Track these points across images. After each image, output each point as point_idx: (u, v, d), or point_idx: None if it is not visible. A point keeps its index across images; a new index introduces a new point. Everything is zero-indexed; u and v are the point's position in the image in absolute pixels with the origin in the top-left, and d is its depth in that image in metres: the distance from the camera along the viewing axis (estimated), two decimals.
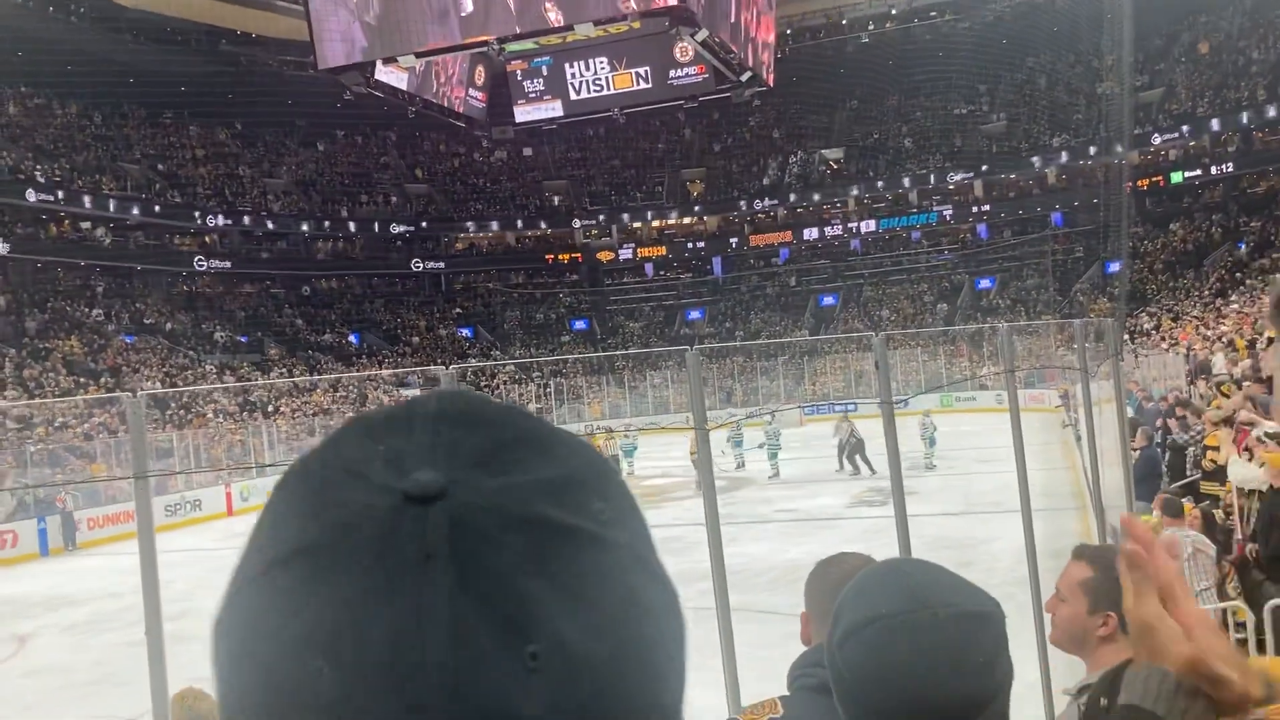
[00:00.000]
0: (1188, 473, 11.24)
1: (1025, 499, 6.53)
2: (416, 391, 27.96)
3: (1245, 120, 42.01)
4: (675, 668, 0.47)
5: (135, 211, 40.84)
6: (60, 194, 37.81)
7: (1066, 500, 15.06)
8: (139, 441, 3.64)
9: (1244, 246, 39.27)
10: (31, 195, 36.66)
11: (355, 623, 0.41)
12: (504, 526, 0.43)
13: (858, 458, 22.38)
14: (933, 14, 48.64)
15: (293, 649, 0.43)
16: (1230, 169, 42.94)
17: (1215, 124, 43.14)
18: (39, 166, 38.13)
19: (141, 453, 3.62)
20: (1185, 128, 44.06)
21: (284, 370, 41.09)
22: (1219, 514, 8.73)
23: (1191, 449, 11.61)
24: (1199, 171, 44.03)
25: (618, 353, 44.94)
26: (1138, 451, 11.07)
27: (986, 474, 18.50)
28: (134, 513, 3.91)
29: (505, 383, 43.44)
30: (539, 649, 0.41)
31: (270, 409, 35.25)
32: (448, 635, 0.40)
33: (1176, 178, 44.94)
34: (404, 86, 15.52)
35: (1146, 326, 35.66)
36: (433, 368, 38.59)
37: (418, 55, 13.31)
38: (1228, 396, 12.67)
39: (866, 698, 1.16)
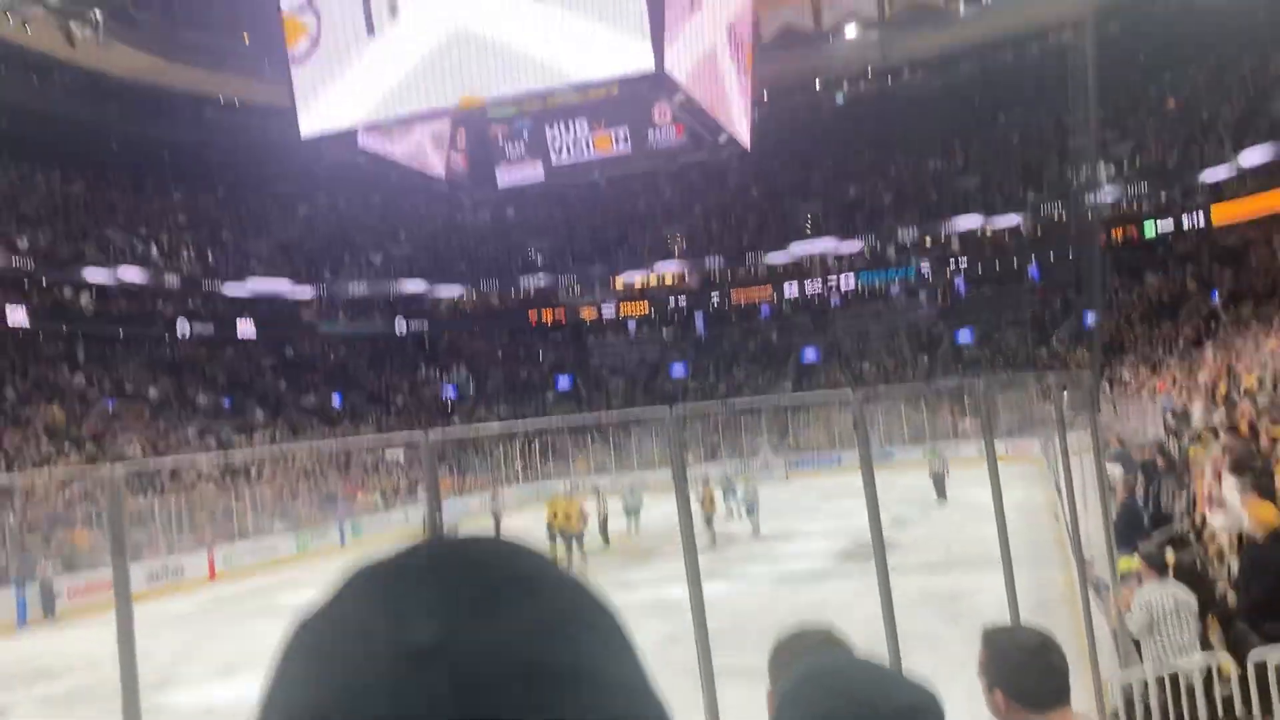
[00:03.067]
0: (1172, 523, 11.32)
1: (1006, 554, 6.60)
2: (400, 454, 27.64)
3: (1215, 173, 42.80)
4: None
5: (118, 277, 40.86)
6: (42, 260, 37.83)
7: (1049, 551, 15.12)
8: (117, 519, 3.66)
9: (1218, 296, 39.76)
10: (14, 262, 36.67)
11: None
12: (504, 675, 0.44)
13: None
14: (906, 74, 49.56)
15: None
16: (1201, 221, 43.63)
17: (1185, 177, 43.91)
18: (21, 233, 38.16)
19: (120, 531, 3.63)
20: (1156, 180, 44.83)
21: (267, 434, 40.87)
22: (1199, 561, 8.80)
23: (1172, 497, 11.71)
24: (1171, 223, 44.71)
25: (599, 413, 44.88)
26: (1118, 503, 11.14)
27: (970, 525, 18.55)
28: (113, 580, 3.91)
29: (489, 441, 43.26)
30: None
31: (253, 473, 35.03)
32: None
33: (1150, 230, 45.62)
34: (386, 151, 15.69)
35: (1125, 376, 35.96)
36: (415, 433, 38.59)
37: (400, 121, 13.48)
38: (1206, 446, 12.80)
39: None
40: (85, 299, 39.90)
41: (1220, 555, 9.22)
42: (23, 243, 37.86)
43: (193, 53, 37.64)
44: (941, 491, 25.82)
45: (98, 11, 31.93)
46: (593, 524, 23.83)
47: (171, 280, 43.38)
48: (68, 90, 38.20)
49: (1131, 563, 8.08)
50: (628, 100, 15.92)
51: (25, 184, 41.77)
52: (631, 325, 56.60)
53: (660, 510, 24.27)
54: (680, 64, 12.36)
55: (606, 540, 24.26)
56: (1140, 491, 12.65)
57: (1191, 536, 10.50)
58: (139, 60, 36.56)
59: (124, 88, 39.38)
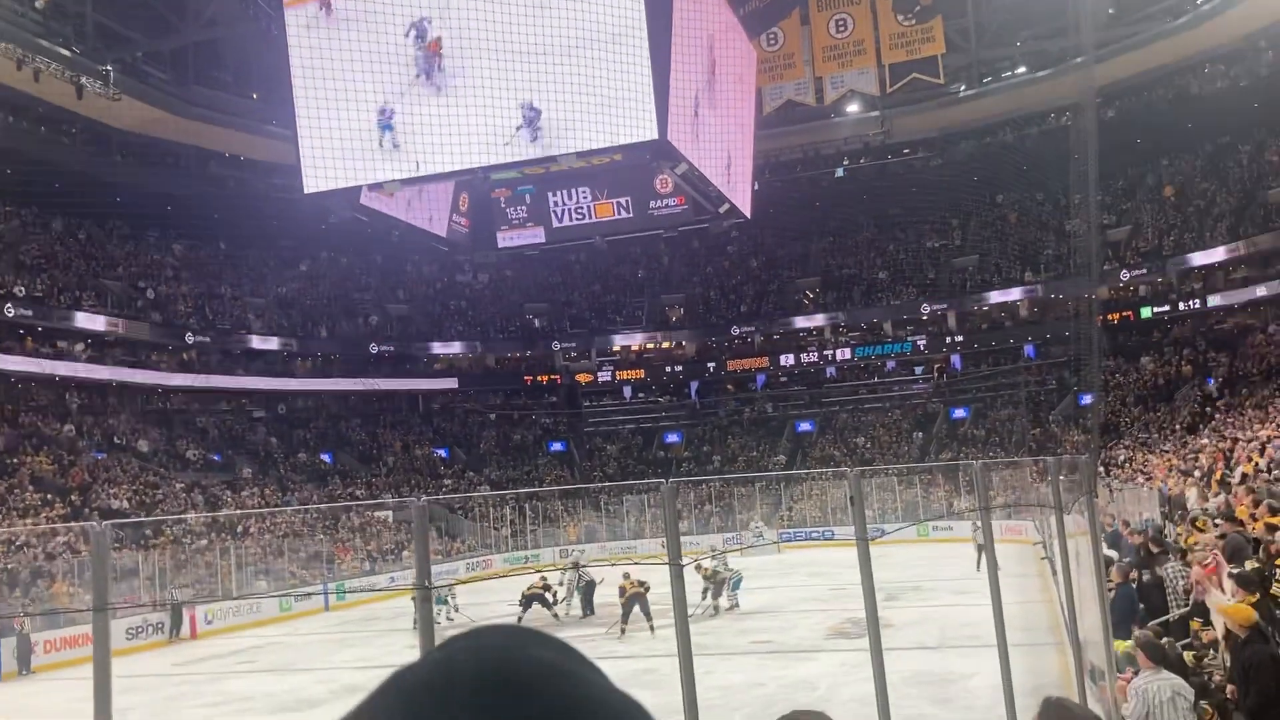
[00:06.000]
0: (1169, 610, 11.15)
1: (1002, 639, 6.47)
2: (389, 514, 27.28)
3: (1211, 257, 43.18)
4: None
5: (114, 327, 40.82)
6: (39, 307, 37.83)
7: (1045, 635, 14.89)
8: (100, 574, 3.58)
9: (1213, 382, 39.84)
10: (10, 310, 36.64)
11: None
12: None
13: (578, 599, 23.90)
14: (905, 150, 50.14)
15: None
16: (1197, 305, 43.89)
17: (1181, 261, 44.30)
18: (20, 282, 38.20)
19: (103, 586, 3.55)
20: (1153, 263, 45.21)
21: (256, 491, 40.56)
22: (1191, 656, 8.65)
23: (1168, 584, 11.55)
24: (1167, 307, 44.96)
25: (593, 485, 44.68)
26: (1114, 588, 11.00)
27: (963, 606, 18.32)
28: (92, 637, 3.82)
29: (481, 504, 42.99)
30: None
31: (239, 529, 34.67)
32: None
33: (1146, 312, 45.87)
34: (389, 211, 15.76)
35: (1120, 459, 35.85)
36: (408, 499, 38.44)
37: (404, 183, 13.54)
38: (1203, 531, 12.68)
39: None
40: (80, 348, 39.81)
41: (1216, 644, 9.07)
42: (20, 289, 37.86)
43: (200, 108, 38.03)
44: (980, 564, 25.39)
45: (110, 66, 32.34)
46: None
47: (166, 332, 43.33)
48: (74, 141, 38.50)
49: (1127, 645, 7.94)
50: (631, 168, 16.06)
51: (28, 231, 41.93)
52: (627, 390, 56.57)
53: (657, 577, 23.96)
54: (683, 134, 12.46)
55: (591, 609, 23.95)
56: (1135, 576, 12.50)
57: (1187, 624, 10.34)
58: (146, 113, 36.93)
59: (130, 140, 39.71)
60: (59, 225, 43.55)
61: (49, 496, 32.95)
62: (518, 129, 11.37)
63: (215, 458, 42.42)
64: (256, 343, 47.39)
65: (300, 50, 11.66)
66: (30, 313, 37.58)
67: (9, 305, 36.65)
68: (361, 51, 11.56)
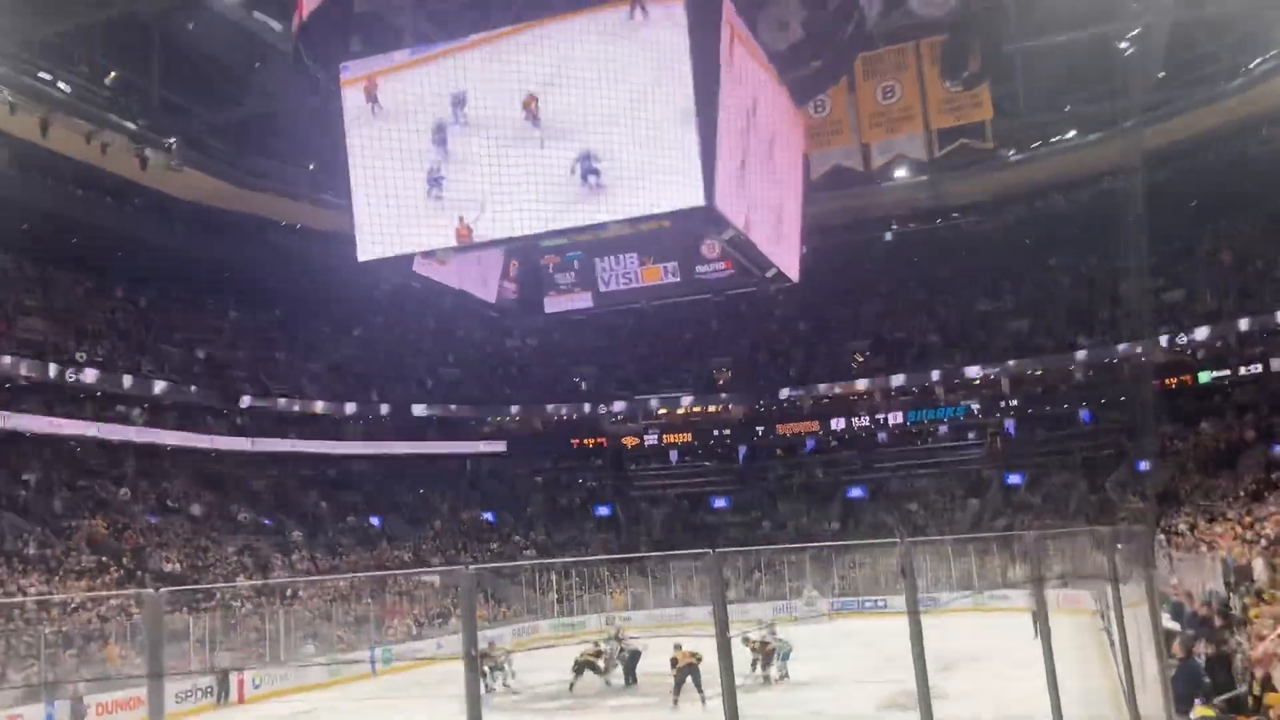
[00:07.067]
0: (1235, 685, 10.77)
1: (1058, 712, 6.27)
2: (436, 581, 27.43)
3: (1274, 321, 42.33)
4: None
5: (171, 393, 41.57)
6: (99, 373, 38.66)
7: (1104, 710, 14.43)
8: (155, 641, 3.61)
9: (1278, 448, 38.81)
10: (71, 375, 37.49)
11: None
12: None
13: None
14: (955, 214, 50.01)
15: None
16: (1259, 369, 42.95)
17: (1242, 324, 43.48)
18: (81, 349, 39.11)
19: (158, 652, 3.58)
20: (1211, 326, 44.41)
21: (305, 554, 40.77)
22: None
23: (1238, 658, 11.17)
24: (1227, 371, 44.06)
25: (636, 555, 44.39)
26: (1176, 661, 10.66)
27: (1018, 680, 17.83)
28: (144, 699, 3.84)
29: (528, 570, 42.87)
30: None
31: (288, 593, 34.81)
32: None
33: (1205, 377, 44.96)
34: (440, 278, 15.95)
35: (1181, 527, 34.94)
36: (456, 568, 38.58)
37: (456, 250, 13.72)
38: (1269, 604, 12.28)
39: None
40: (136, 412, 40.53)
41: None
42: (81, 355, 38.74)
43: (258, 178, 38.95)
44: (1037, 632, 24.80)
45: (173, 139, 33.27)
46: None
47: (221, 396, 44.03)
48: (137, 210, 39.54)
49: (1207, 711, 7.63)
50: (678, 234, 16.15)
51: (90, 299, 43.04)
52: (674, 454, 56.29)
53: (709, 646, 23.60)
54: (730, 200, 12.54)
55: (634, 679, 23.65)
56: (1200, 650, 12.10)
57: (1252, 701, 9.97)
58: (207, 184, 37.88)
59: (190, 210, 40.73)
60: (120, 292, 44.65)
61: (104, 560, 33.35)
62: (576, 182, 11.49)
63: (266, 521, 42.78)
64: (309, 406, 47.96)
65: (355, 126, 11.95)
66: (92, 379, 38.39)
67: (71, 370, 37.50)
68: (409, 135, 11.83)
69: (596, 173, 11.85)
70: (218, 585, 31.81)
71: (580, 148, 11.78)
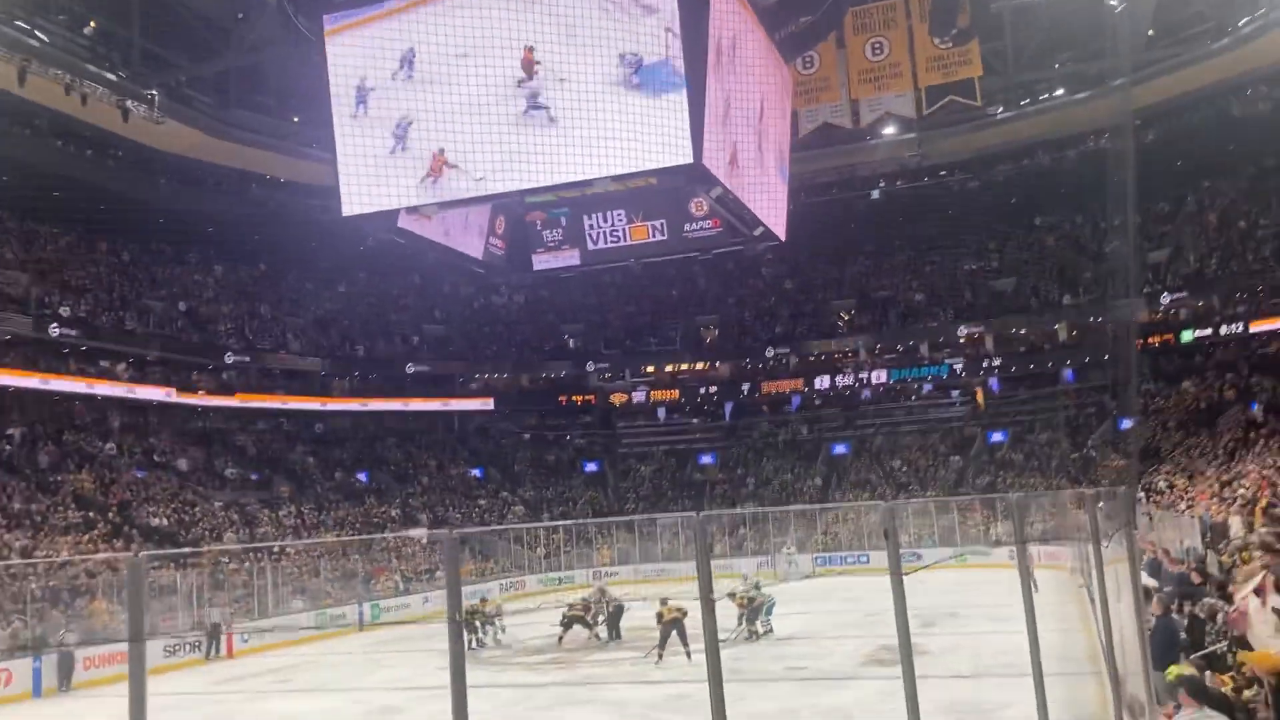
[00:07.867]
0: (1206, 643, 10.93)
1: (1038, 669, 6.37)
2: (424, 530, 27.64)
3: (1253, 281, 42.54)
4: None
5: (155, 347, 41.40)
6: (83, 328, 38.46)
7: (1082, 665, 14.65)
8: (136, 604, 3.61)
9: (1257, 407, 39.16)
10: (55, 330, 37.27)
11: None
12: None
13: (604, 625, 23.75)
14: (942, 173, 49.84)
15: None
16: (1240, 329, 43.20)
17: (1223, 284, 43.67)
18: (65, 302, 38.84)
19: (139, 616, 3.58)
20: (1193, 288, 44.59)
21: (292, 509, 40.88)
22: (1232, 689, 8.45)
23: (1210, 615, 11.32)
24: (1210, 331, 44.31)
25: (621, 518, 44.70)
26: (1155, 619, 10.81)
27: (999, 634, 18.07)
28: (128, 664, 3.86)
29: (513, 521, 43.18)
30: None
31: (275, 550, 34.95)
32: None
33: (1187, 336, 45.22)
34: (426, 234, 15.86)
35: (1161, 485, 35.32)
36: (439, 531, 38.91)
37: (441, 206, 13.64)
38: (1247, 562, 12.43)
39: None
40: (121, 367, 40.36)
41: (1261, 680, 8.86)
42: (65, 309, 38.50)
43: (242, 131, 38.51)
44: (1037, 586, 25.04)
45: (155, 91, 32.82)
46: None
47: (206, 352, 43.89)
48: (119, 164, 39.10)
49: (1183, 669, 7.72)
50: (665, 192, 16.08)
51: (73, 253, 42.68)
52: (661, 412, 56.52)
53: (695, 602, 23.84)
54: (718, 158, 12.49)
55: (618, 634, 23.89)
56: (1176, 608, 12.27)
57: (1230, 658, 10.13)
58: (189, 136, 37.42)
59: (173, 163, 40.28)
60: (103, 246, 44.28)
61: (90, 515, 33.37)
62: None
63: (253, 476, 42.84)
64: (295, 363, 47.86)
65: (340, 78, 11.82)
66: (75, 333, 38.19)
67: (54, 325, 37.29)
68: (395, 87, 11.74)
69: (560, 120, 11.78)
70: (202, 549, 31.86)
71: (564, 100, 11.67)
